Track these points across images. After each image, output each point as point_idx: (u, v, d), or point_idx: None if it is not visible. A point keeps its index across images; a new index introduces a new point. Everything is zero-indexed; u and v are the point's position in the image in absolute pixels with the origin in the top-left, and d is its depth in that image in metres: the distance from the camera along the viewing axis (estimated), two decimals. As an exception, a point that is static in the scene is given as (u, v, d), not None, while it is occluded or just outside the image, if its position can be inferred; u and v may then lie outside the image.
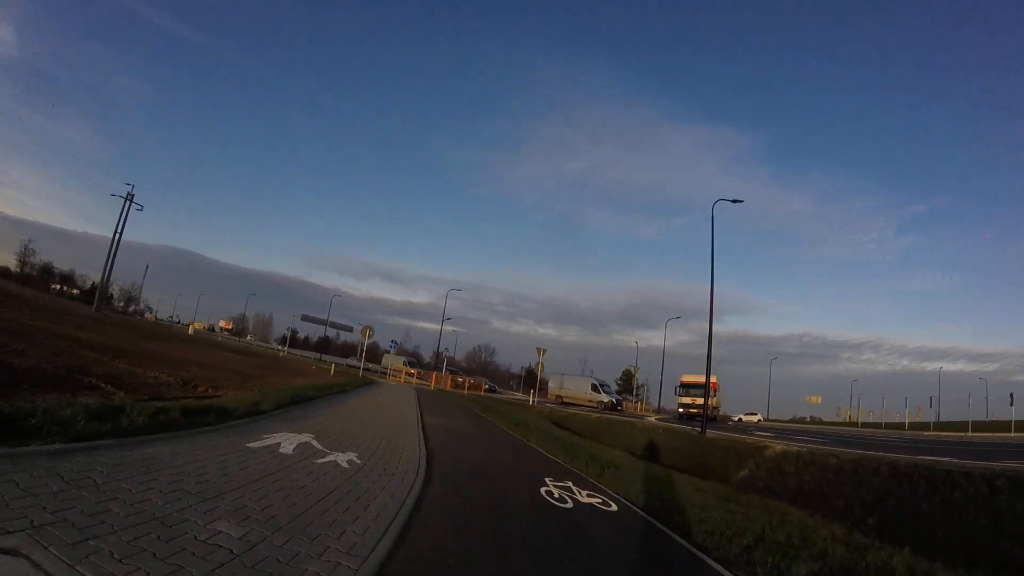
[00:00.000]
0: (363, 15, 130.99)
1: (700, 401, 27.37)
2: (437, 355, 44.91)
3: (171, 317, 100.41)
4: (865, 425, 54.51)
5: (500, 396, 41.89)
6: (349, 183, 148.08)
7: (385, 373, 44.32)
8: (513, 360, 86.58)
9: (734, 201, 21.83)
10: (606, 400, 38.44)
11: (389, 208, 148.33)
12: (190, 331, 61.09)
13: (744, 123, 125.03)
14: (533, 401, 36.00)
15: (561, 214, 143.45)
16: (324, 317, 71.63)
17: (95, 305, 43.82)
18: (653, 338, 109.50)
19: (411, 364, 46.55)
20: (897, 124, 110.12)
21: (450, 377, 41.86)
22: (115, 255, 45.22)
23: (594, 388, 39.75)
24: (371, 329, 31.38)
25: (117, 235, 45.25)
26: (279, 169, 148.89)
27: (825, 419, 63.23)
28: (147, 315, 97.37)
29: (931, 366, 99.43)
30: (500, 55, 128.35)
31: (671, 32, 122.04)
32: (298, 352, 69.86)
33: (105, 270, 44.84)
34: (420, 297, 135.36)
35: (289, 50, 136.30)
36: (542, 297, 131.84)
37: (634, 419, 30.86)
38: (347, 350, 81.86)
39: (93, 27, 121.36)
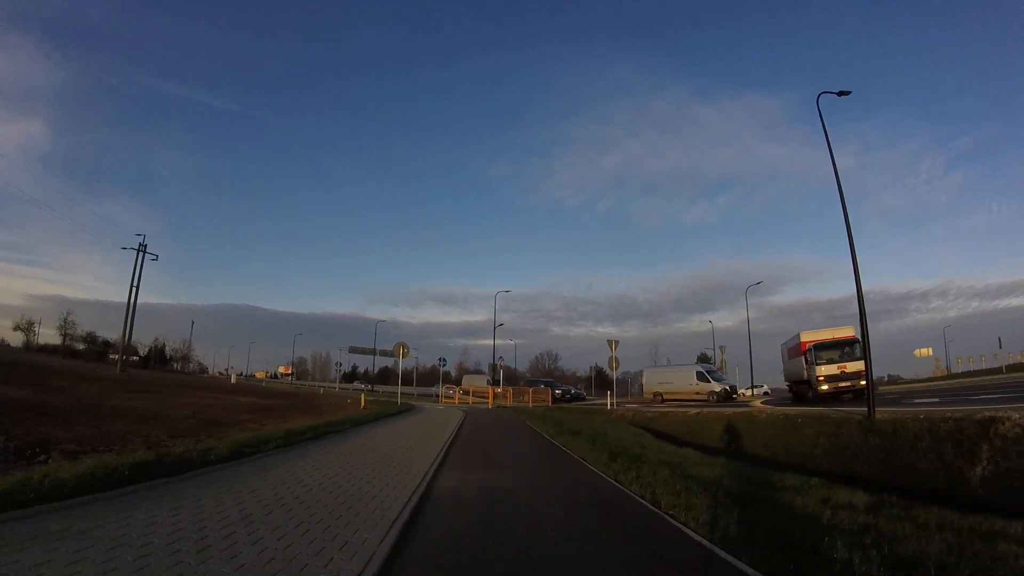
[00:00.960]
0: (382, 48, 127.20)
1: (855, 368, 19.27)
2: (493, 367, 38.98)
3: (226, 370, 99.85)
4: (968, 375, 44.22)
5: (574, 404, 35.40)
6: (392, 216, 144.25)
7: (437, 396, 38.68)
8: (578, 363, 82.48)
9: (839, 94, 14.94)
10: (718, 389, 30.44)
11: (435, 234, 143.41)
12: (232, 380, 58.04)
13: (774, 86, 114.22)
14: (612, 404, 29.25)
15: (605, 212, 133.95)
16: (378, 348, 68.37)
17: (119, 366, 40.75)
18: (714, 320, 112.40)
19: (496, 382, 40.35)
20: (929, 55, 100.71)
21: (510, 390, 35.73)
22: (134, 310, 42.06)
23: (701, 377, 31.61)
24: (405, 347, 25.88)
25: (134, 288, 42.30)
26: (321, 212, 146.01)
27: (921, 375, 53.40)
28: (211, 371, 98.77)
29: (1002, 303, 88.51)
30: (522, 64, 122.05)
31: (685, 8, 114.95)
32: (350, 386, 65.66)
33: (125, 327, 41.75)
34: (476, 316, 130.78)
35: (316, 97, 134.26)
36: (599, 297, 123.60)
37: (740, 407, 23.70)
38: (412, 378, 77.64)
39: (124, 110, 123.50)
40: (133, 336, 79.30)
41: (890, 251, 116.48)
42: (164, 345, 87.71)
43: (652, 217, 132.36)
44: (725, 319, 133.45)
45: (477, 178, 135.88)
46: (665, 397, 32.55)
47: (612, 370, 29.74)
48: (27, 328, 64.95)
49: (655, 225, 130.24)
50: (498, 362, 30.96)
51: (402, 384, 70.62)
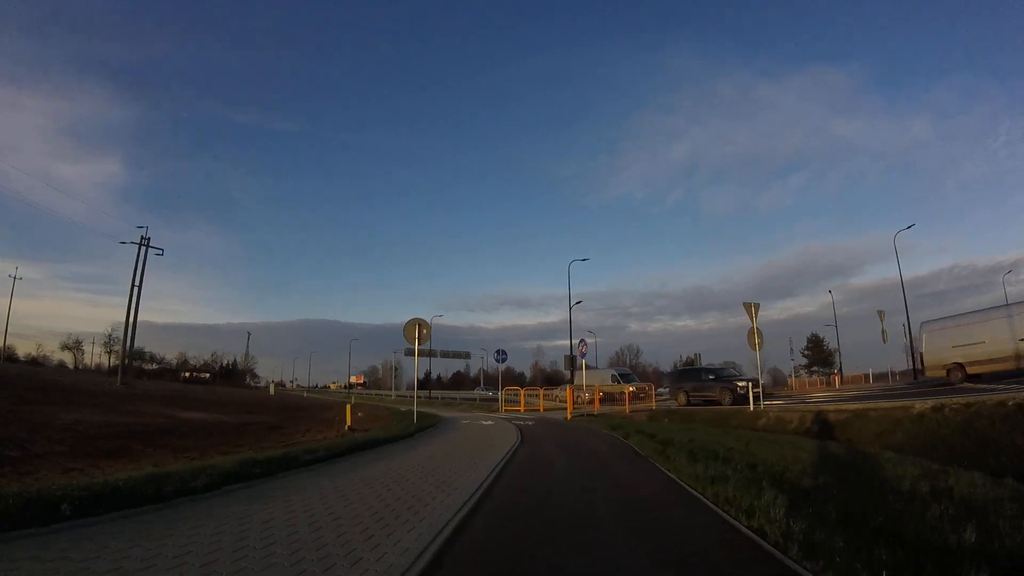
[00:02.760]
0: (440, 58, 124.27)
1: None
2: (571, 359, 29.02)
3: (291, 381, 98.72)
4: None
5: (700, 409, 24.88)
6: (463, 222, 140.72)
7: (494, 402, 29.34)
8: (659, 357, 78.41)
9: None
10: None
11: (507, 238, 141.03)
12: (271, 391, 51.92)
13: (843, 58, 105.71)
14: (756, 407, 18.40)
15: (676, 204, 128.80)
16: (439, 350, 61.52)
17: (120, 378, 34.91)
18: (795, 307, 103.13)
19: (625, 378, 30.41)
20: (996, 11, 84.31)
21: (597, 390, 25.63)
22: (136, 312, 36.46)
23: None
24: (423, 325, 16.58)
25: (136, 288, 36.55)
26: (394, 224, 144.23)
27: None
28: (269, 383, 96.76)
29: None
30: (580, 62, 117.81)
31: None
32: (422, 393, 57.76)
33: (125, 334, 36.24)
34: (551, 317, 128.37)
35: (378, 111, 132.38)
36: (675, 291, 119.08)
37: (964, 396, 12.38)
38: (493, 380, 71.23)
39: (195, 141, 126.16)
40: (205, 354, 77.53)
41: (974, 224, 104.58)
42: (222, 360, 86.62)
43: (723, 205, 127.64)
44: (806, 304, 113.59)
45: (545, 179, 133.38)
46: (969, 370, 18.98)
47: (756, 347, 18.90)
48: (75, 347, 62.91)
49: (727, 213, 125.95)
50: (578, 349, 20.78)
51: (469, 387, 62.39)
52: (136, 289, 36.90)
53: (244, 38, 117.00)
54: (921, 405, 13.41)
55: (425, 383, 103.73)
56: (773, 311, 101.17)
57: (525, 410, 26.06)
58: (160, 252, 38.85)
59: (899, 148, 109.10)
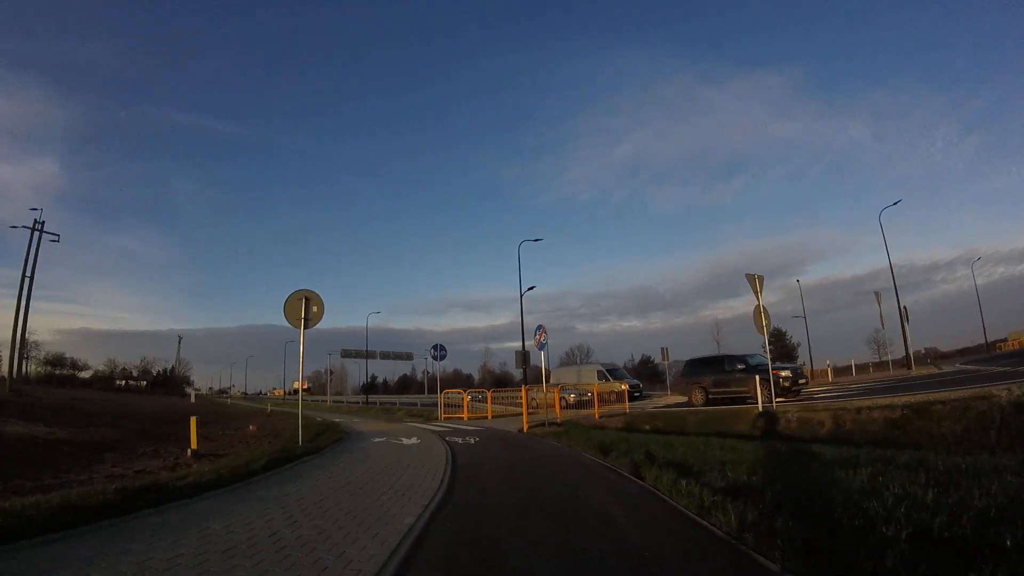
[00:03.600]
0: (384, 63, 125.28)
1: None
2: (522, 355, 24.19)
3: (231, 387, 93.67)
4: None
5: (646, 405, 20.46)
6: (409, 226, 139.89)
7: (435, 407, 24.19)
8: (609, 357, 72.89)
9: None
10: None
11: (454, 241, 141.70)
12: (192, 399, 44.53)
13: (780, 62, 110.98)
14: (764, 404, 14.07)
15: (621, 203, 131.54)
16: (391, 353, 57.93)
17: (8, 384, 27.78)
18: (740, 306, 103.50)
19: (613, 374, 26.03)
20: (936, 18, 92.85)
21: (556, 391, 20.77)
22: (27, 305, 29.23)
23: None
24: (311, 298, 11.26)
25: (27, 279, 29.31)
26: (336, 230, 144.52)
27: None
28: (233, 390, 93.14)
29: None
30: (522, 65, 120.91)
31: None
32: (375, 398, 52.05)
33: (14, 334, 28.92)
34: (500, 320, 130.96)
35: (320, 116, 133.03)
36: (621, 291, 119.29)
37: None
38: (445, 383, 67.17)
39: (134, 144, 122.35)
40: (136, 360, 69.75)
41: (911, 223, 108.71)
42: (153, 366, 79.51)
43: (667, 204, 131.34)
44: (750, 303, 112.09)
45: (490, 182, 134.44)
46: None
47: (764, 330, 14.60)
48: None
49: (671, 212, 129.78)
50: (537, 336, 15.72)
51: (416, 391, 56.44)
52: (27, 280, 29.59)
53: (186, 39, 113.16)
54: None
55: (371, 387, 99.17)
56: (718, 310, 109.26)
57: (469, 418, 21.03)
58: (56, 238, 31.64)
59: (836, 148, 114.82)
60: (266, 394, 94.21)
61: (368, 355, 54.49)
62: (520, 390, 24.85)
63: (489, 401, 21.99)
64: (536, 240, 30.09)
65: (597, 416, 18.03)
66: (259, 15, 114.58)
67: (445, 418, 21.11)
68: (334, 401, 52.95)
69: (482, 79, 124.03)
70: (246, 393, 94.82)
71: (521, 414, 22.11)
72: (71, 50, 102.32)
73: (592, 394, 20.23)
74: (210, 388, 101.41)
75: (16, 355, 29.52)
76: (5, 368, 52.55)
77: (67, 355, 63.36)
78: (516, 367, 27.49)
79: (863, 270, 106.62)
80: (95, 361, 74.59)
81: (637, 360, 70.38)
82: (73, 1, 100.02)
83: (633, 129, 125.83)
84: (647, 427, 15.59)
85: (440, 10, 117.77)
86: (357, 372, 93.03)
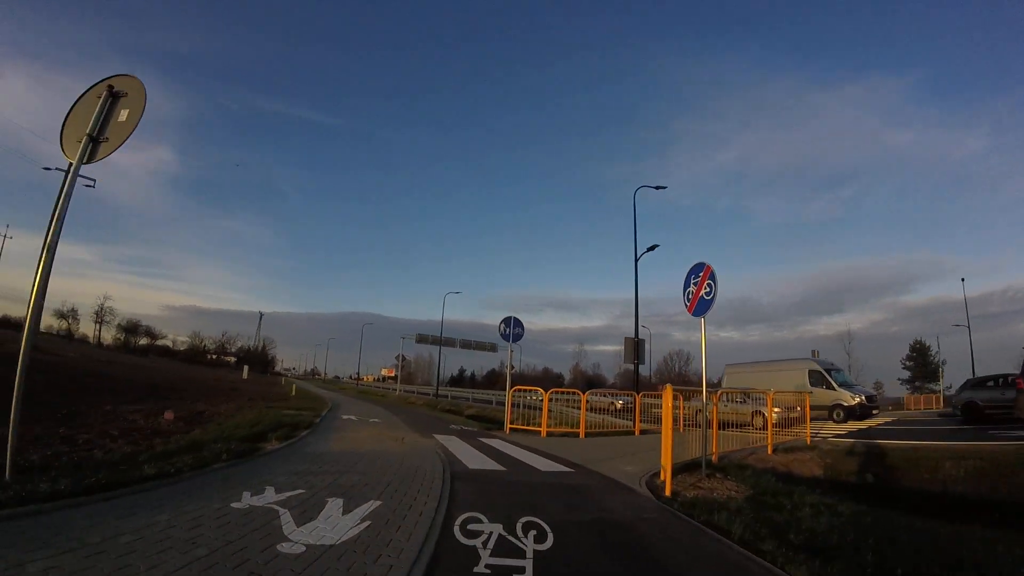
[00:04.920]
0: (487, 55, 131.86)
1: None
2: (634, 344, 15.92)
3: (312, 371, 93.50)
4: None
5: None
6: (510, 221, 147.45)
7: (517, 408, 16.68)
8: (711, 365, 60.17)
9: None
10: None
11: (551, 239, 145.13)
12: (244, 375, 40.79)
13: (896, 66, 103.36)
14: None
15: (724, 211, 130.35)
16: (472, 343, 53.33)
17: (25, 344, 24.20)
18: (843, 323, 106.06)
19: (839, 381, 19.48)
20: None
21: (669, 398, 12.27)
22: (53, 254, 25.99)
23: None
24: (114, 94, 4.07)
25: (54, 221, 26.11)
26: (437, 221, 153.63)
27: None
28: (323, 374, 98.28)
29: None
30: (629, 62, 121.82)
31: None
32: (453, 390, 46.72)
33: (33, 289, 25.74)
34: (595, 321, 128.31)
35: (424, 108, 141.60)
36: (720, 300, 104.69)
37: None
38: (531, 382, 61.36)
39: (244, 133, 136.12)
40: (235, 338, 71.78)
41: None
42: (235, 343, 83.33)
43: (772, 214, 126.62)
44: (854, 321, 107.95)
45: (592, 181, 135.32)
46: None
47: None
48: (70, 315, 55.22)
49: (775, 222, 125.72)
50: (693, 288, 8.26)
51: (503, 387, 49.92)
52: (57, 224, 26.21)
53: (294, 35, 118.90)
54: None
55: (458, 380, 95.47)
56: (819, 326, 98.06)
57: (549, 433, 13.06)
58: (91, 183, 28.19)
59: (953, 162, 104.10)
60: (342, 379, 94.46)
61: (444, 342, 48.44)
62: (631, 395, 16.58)
63: (584, 408, 13.83)
64: (658, 188, 21.41)
65: (770, 450, 9.36)
66: (362, 12, 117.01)
67: (513, 430, 13.35)
68: (405, 391, 47.36)
69: (585, 74, 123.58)
70: (324, 376, 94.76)
71: (631, 431, 13.94)
72: (185, 45, 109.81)
73: (800, 408, 11.89)
74: (291, 369, 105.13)
75: (35, 307, 25.98)
76: (84, 330, 54.48)
77: (143, 323, 65.18)
78: (625, 362, 19.06)
79: (976, 292, 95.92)
80: (195, 335, 77.64)
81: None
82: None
83: (739, 134, 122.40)
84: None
85: (542, 4, 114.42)
86: (444, 363, 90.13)
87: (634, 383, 19.09)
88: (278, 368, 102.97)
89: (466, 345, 52.17)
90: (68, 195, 4.66)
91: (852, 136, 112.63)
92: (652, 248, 19.65)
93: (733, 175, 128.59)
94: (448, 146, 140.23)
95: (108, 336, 61.33)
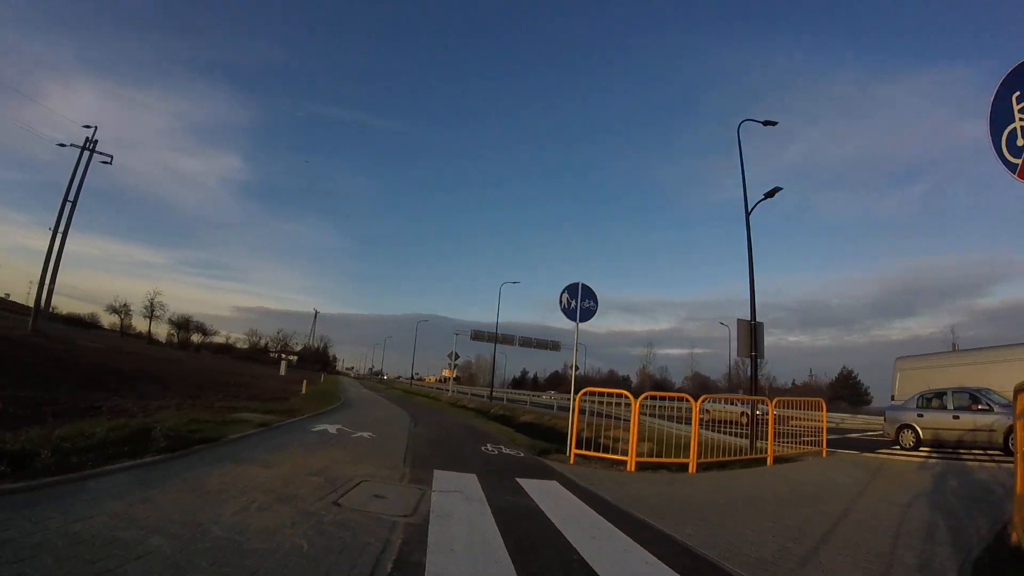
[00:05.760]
0: (539, 48, 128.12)
1: None
2: (749, 329, 10.49)
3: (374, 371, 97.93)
4: None
5: None
6: (572, 223, 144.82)
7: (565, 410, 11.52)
8: (779, 371, 63.71)
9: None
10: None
11: (614, 240, 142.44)
12: (282, 371, 37.80)
13: (966, 54, 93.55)
14: None
15: (790, 209, 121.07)
16: (533, 341, 49.95)
17: (32, 323, 22.76)
18: (915, 327, 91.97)
19: None
20: None
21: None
22: (65, 235, 23.73)
23: None
24: None
25: (69, 204, 23.82)
26: (500, 226, 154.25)
27: None
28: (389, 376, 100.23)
29: None
30: (688, 52, 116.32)
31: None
32: (518, 392, 42.91)
33: (45, 267, 23.48)
34: (661, 324, 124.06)
35: (481, 111, 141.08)
36: (787, 302, 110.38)
37: None
38: (591, 383, 58.10)
39: (308, 139, 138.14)
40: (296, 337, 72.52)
41: None
42: (290, 340, 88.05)
43: (840, 212, 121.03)
44: (927, 325, 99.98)
45: (647, 178, 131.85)
46: None
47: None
48: (122, 310, 55.77)
49: (844, 220, 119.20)
50: None
51: (566, 389, 45.40)
52: (69, 205, 24.21)
53: (354, 43, 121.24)
54: None
55: (520, 382, 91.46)
56: (892, 331, 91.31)
57: (638, 465, 7.90)
58: (108, 160, 26.12)
59: None
60: (402, 379, 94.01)
61: (502, 340, 43.85)
62: (764, 401, 11.14)
63: (696, 425, 8.56)
64: (767, 123, 15.49)
65: None
66: (418, 22, 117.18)
67: (582, 457, 8.32)
68: (459, 392, 43.30)
69: (642, 65, 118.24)
70: (388, 377, 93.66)
71: (759, 459, 8.62)
72: (251, 56, 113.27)
73: None
74: (351, 369, 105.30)
75: (46, 290, 23.84)
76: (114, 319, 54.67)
77: (194, 318, 65.39)
78: (739, 354, 13.43)
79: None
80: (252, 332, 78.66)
81: (833, 375, 57.97)
82: (251, 13, 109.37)
83: (804, 128, 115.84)
84: None
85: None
86: (507, 364, 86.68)
87: (750, 384, 13.59)
88: (339, 367, 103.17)
89: (526, 343, 47.45)
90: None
91: (923, 129, 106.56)
92: (772, 193, 13.91)
93: (799, 172, 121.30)
94: (513, 145, 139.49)
95: (162, 331, 61.57)
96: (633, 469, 7.86)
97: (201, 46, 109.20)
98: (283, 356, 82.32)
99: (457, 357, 42.95)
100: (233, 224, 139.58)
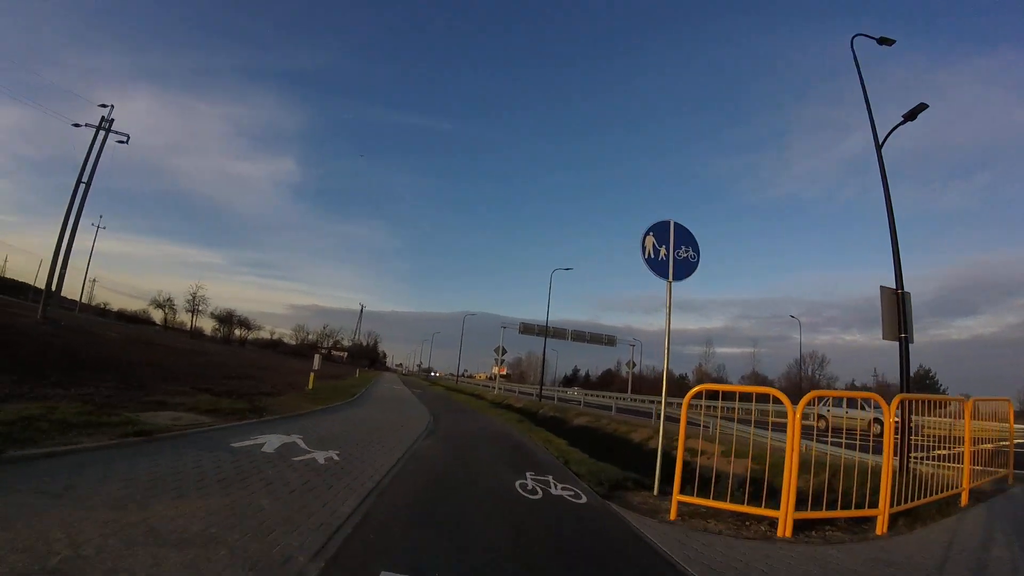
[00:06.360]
0: (601, 53, 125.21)
1: None
2: (896, 298, 6.51)
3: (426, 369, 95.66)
4: None
5: None
6: (617, 222, 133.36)
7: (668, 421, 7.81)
8: (840, 371, 55.26)
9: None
10: None
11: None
12: (316, 364, 35.70)
13: None
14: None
15: (848, 203, 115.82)
16: (587, 335, 45.87)
17: (41, 312, 21.08)
18: (975, 327, 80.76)
19: None
20: None
21: None
22: (78, 217, 21.95)
23: None
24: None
25: (83, 185, 22.15)
26: (551, 224, 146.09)
27: None
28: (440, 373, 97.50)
29: None
30: (743, 40, 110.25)
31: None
32: (567, 391, 39.65)
33: (57, 252, 21.74)
34: (714, 323, 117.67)
35: (531, 115, 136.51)
36: (843, 300, 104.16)
37: None
38: (646, 382, 57.55)
39: (359, 141, 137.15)
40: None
41: None
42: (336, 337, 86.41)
43: (899, 206, 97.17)
44: (988, 325, 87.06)
45: (700, 171, 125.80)
46: None
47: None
48: (166, 304, 55.92)
49: (905, 214, 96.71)
50: None
51: (619, 387, 41.32)
52: (82, 186, 22.48)
53: (404, 47, 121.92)
54: None
55: (571, 380, 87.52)
56: (951, 330, 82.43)
57: (796, 524, 4.18)
58: (125, 139, 24.28)
59: None
60: (447, 376, 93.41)
61: (553, 334, 40.10)
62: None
63: (891, 451, 4.78)
64: (882, 41, 11.05)
65: None
66: (470, 23, 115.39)
67: (687, 507, 4.70)
68: (506, 390, 40.02)
69: (692, 59, 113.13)
70: (440, 374, 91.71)
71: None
72: (300, 62, 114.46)
73: None
74: (400, 365, 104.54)
75: (56, 276, 22.02)
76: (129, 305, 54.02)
77: (237, 313, 64.95)
78: (885, 336, 9.31)
79: None
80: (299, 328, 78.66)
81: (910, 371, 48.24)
82: (299, 19, 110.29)
83: (861, 118, 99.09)
84: None
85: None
86: (557, 361, 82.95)
87: (902, 380, 9.51)
88: (389, 364, 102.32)
89: (579, 337, 43.50)
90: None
91: (984, 117, 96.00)
92: (914, 114, 9.63)
93: (859, 164, 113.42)
94: (553, 153, 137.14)
95: (208, 326, 61.21)
96: (789, 534, 4.19)
97: (252, 53, 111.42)
98: (331, 352, 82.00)
99: (504, 352, 39.56)
100: (287, 225, 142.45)
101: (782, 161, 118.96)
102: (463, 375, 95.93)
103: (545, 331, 36.59)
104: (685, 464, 5.02)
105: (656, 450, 6.04)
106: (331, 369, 39.71)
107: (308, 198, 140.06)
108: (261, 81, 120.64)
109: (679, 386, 72.50)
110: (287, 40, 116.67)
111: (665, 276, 6.67)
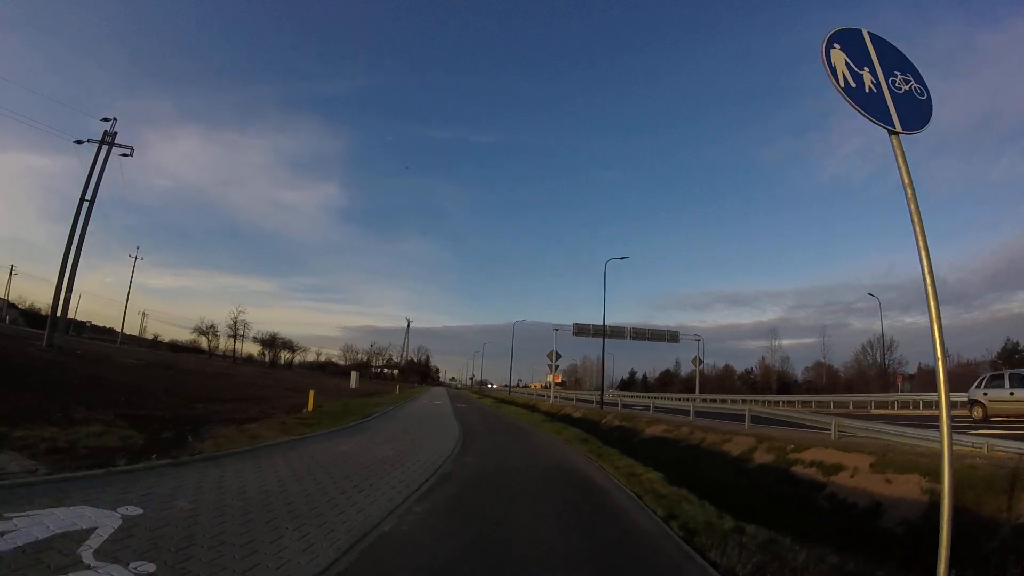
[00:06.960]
0: (641, 52, 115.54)
1: None
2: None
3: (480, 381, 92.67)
4: None
5: None
6: (667, 218, 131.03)
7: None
8: (908, 354, 45.97)
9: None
10: None
11: (714, 231, 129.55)
12: (352, 383, 32.96)
13: None
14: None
15: (896, 181, 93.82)
16: (646, 332, 42.57)
17: (47, 338, 19.45)
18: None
19: None
20: None
21: None
22: (82, 238, 20.17)
23: None
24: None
25: (87, 203, 20.45)
26: (598, 225, 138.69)
27: None
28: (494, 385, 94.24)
29: None
30: (786, 26, 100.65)
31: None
32: (624, 394, 35.63)
33: (61, 275, 19.99)
34: (768, 315, 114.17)
35: (578, 114, 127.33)
36: (902, 282, 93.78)
37: None
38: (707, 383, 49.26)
39: (400, 159, 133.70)
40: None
41: None
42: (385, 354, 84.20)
43: (950, 178, 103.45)
44: None
45: (746, 159, 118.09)
46: None
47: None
48: (209, 331, 55.63)
49: (955, 189, 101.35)
50: None
51: (677, 388, 37.43)
52: (87, 204, 20.81)
53: (438, 61, 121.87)
54: None
55: (628, 384, 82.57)
56: (1014, 304, 71.93)
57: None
58: (128, 152, 22.58)
59: None
60: (502, 387, 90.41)
61: (611, 334, 36.08)
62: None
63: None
64: None
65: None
66: (500, 32, 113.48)
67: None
68: (563, 398, 36.23)
69: (730, 43, 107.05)
70: (497, 386, 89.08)
71: None
72: (337, 87, 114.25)
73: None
74: (453, 379, 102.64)
75: (61, 301, 20.20)
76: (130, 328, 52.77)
77: (281, 336, 64.13)
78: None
79: None
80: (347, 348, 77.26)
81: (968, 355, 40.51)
82: (334, 46, 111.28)
83: None
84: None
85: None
86: (614, 364, 78.48)
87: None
88: (442, 378, 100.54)
89: (638, 335, 39.44)
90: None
91: None
92: None
93: (905, 139, 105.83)
94: (602, 151, 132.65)
95: (254, 350, 60.98)
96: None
97: (291, 83, 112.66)
98: (382, 370, 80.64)
99: (558, 357, 35.94)
100: (337, 248, 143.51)
101: (827, 143, 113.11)
102: (517, 385, 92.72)
103: (603, 330, 32.47)
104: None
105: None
106: (372, 386, 37.29)
107: (355, 219, 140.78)
108: (301, 110, 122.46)
109: (747, 380, 66.24)
110: (324, 68, 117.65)
111: (885, 120, 3.28)
